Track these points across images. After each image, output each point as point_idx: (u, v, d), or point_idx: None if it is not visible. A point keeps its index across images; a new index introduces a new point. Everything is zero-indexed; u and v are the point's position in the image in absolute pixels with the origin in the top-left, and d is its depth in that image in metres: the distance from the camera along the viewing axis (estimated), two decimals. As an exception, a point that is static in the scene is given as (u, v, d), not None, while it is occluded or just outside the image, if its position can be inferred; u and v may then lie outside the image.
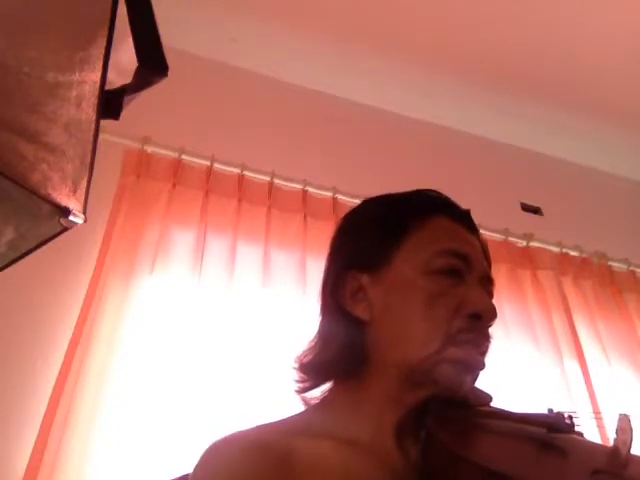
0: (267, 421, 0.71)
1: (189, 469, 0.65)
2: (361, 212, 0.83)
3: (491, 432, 0.66)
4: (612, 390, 1.88)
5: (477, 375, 0.72)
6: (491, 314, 0.71)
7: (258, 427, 0.69)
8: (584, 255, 2.21)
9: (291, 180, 1.90)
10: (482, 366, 0.71)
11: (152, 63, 0.68)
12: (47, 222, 0.91)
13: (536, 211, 2.37)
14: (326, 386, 0.76)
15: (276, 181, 1.88)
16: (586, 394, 1.82)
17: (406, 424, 0.70)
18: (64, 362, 1.38)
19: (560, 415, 0.66)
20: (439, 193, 0.81)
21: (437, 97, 2.35)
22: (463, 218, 0.79)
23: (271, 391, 1.44)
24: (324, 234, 1.80)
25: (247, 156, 1.88)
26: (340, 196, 1.92)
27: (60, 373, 1.36)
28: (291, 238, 1.78)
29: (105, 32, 0.64)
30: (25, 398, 1.38)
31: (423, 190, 0.81)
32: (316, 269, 1.69)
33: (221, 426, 1.38)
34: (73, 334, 1.42)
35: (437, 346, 0.68)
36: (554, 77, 2.24)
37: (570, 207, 2.44)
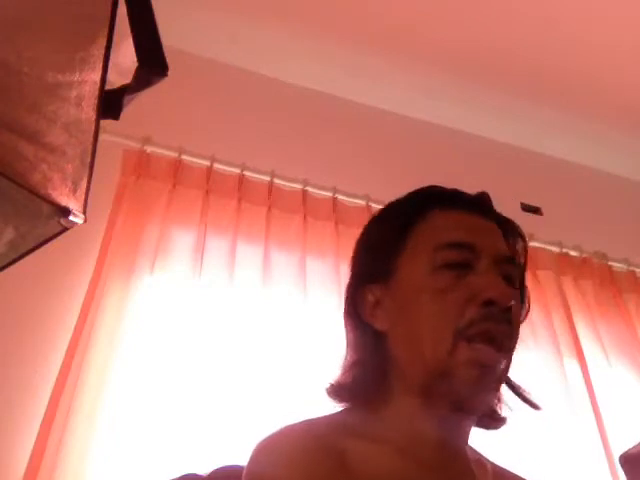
0: (311, 417, 0.70)
1: (189, 469, 0.65)
2: (367, 226, 0.82)
3: None
4: (612, 390, 1.88)
5: (500, 382, 0.68)
6: (504, 297, 0.66)
7: (307, 423, 0.68)
8: (584, 255, 2.20)
9: (291, 180, 1.90)
10: (498, 363, 0.66)
11: (152, 63, 0.68)
12: (47, 222, 0.91)
13: (536, 211, 2.37)
14: None
15: (276, 181, 1.88)
16: (586, 394, 1.82)
17: (449, 439, 0.68)
18: (64, 362, 1.38)
19: None
20: (434, 187, 0.78)
21: (437, 97, 2.34)
22: (466, 205, 0.75)
23: (270, 390, 1.45)
24: (324, 234, 1.80)
25: (247, 156, 1.87)
26: (340, 196, 1.91)
27: (60, 373, 1.36)
28: (291, 238, 1.77)
29: (105, 32, 0.64)
30: (25, 398, 1.38)
31: (418, 189, 0.79)
32: (316, 269, 1.69)
33: (220, 425, 1.38)
34: (73, 334, 1.41)
35: (448, 344, 0.64)
36: (554, 77, 2.24)
37: (570, 207, 2.43)
